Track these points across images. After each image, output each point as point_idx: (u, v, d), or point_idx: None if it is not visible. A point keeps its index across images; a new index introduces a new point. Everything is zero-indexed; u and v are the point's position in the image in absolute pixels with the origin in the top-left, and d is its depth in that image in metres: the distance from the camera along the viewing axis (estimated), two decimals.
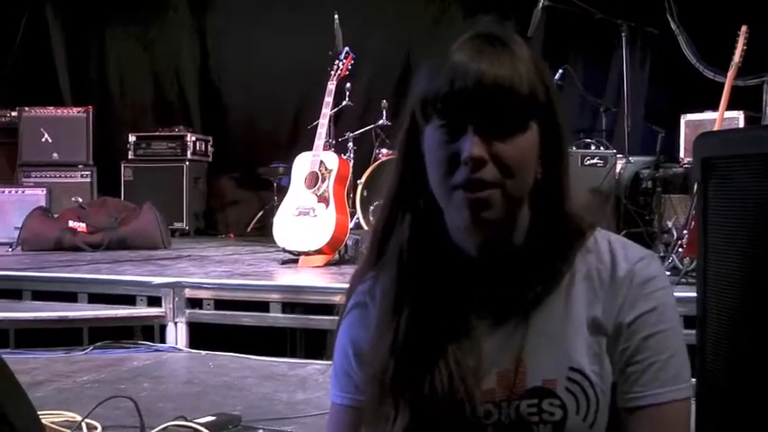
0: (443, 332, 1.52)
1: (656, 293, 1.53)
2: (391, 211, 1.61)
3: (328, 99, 7.12)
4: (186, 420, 3.56)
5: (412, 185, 1.56)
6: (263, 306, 5.43)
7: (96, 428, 3.53)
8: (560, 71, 7.62)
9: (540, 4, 7.38)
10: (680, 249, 5.32)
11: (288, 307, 5.41)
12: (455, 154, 1.45)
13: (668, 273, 5.06)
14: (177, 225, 9.94)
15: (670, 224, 6.25)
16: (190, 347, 5.42)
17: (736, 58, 6.05)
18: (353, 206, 8.00)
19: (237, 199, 10.98)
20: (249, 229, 10.11)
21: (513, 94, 1.43)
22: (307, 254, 6.59)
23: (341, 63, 7.39)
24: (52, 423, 3.56)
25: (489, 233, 1.50)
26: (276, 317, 5.38)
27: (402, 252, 1.58)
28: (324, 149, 6.94)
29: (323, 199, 6.63)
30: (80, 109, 10.06)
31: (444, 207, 1.51)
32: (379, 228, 1.64)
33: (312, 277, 6.16)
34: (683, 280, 4.85)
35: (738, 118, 6.94)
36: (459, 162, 1.44)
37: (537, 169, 1.50)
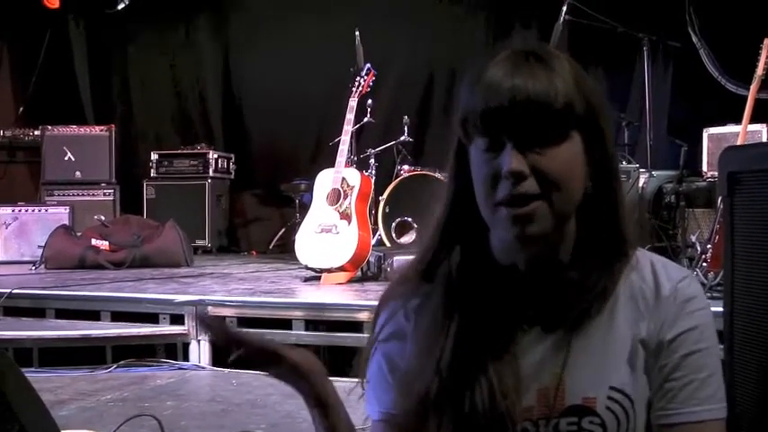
0: (486, 349, 1.52)
1: (697, 313, 1.53)
2: (443, 230, 1.61)
3: (350, 116, 7.12)
4: None
5: (463, 206, 1.56)
6: (285, 323, 5.43)
7: None
8: None
9: (562, 19, 7.37)
10: (704, 264, 5.29)
11: (311, 324, 5.40)
12: (497, 170, 1.45)
13: None
14: (200, 243, 9.94)
15: (694, 238, 6.22)
16: (213, 365, 5.41)
17: (760, 70, 6.03)
18: (376, 223, 8.00)
19: (259, 216, 10.98)
20: (271, 247, 10.09)
21: (548, 109, 1.42)
22: (329, 271, 6.58)
23: (362, 79, 7.39)
24: None
25: (534, 248, 1.51)
26: (299, 334, 5.37)
27: (451, 272, 1.58)
28: (346, 166, 6.93)
29: (345, 216, 6.62)
30: (102, 127, 10.09)
31: (490, 224, 1.52)
32: (428, 248, 1.63)
33: (335, 294, 6.14)
34: (708, 294, 4.83)
35: (762, 131, 6.90)
36: (500, 178, 1.45)
37: (587, 183, 1.51)
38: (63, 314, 5.89)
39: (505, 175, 1.43)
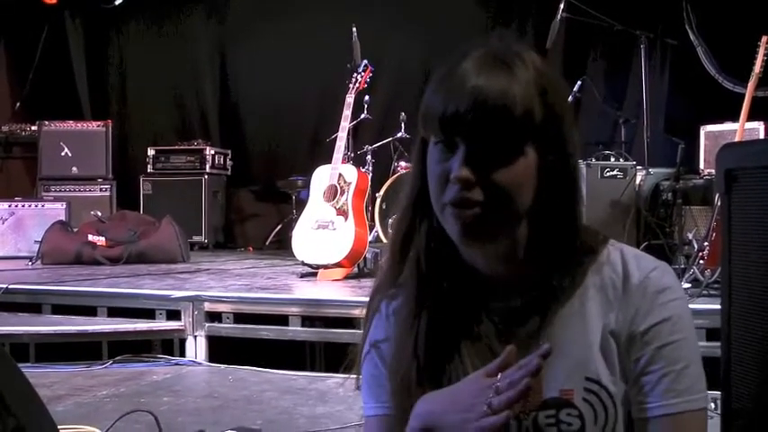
0: (460, 341, 1.55)
1: (670, 304, 1.53)
2: (409, 221, 1.63)
3: (347, 112, 7.12)
4: None
5: (426, 196, 1.57)
6: (282, 320, 5.43)
7: None
8: (579, 83, 7.61)
9: (559, 16, 7.38)
10: (701, 261, 5.29)
11: (307, 320, 5.41)
12: (448, 171, 1.48)
13: (689, 285, 5.06)
14: (196, 238, 9.93)
15: (691, 236, 6.22)
16: (209, 361, 5.42)
17: (757, 68, 6.03)
18: (372, 219, 8.00)
19: (256, 212, 10.98)
20: (268, 243, 10.10)
21: (504, 115, 1.44)
22: (326, 267, 6.58)
23: (359, 76, 7.39)
24: None
25: (482, 247, 1.54)
26: (295, 330, 5.38)
27: (419, 260, 1.60)
28: (342, 162, 6.93)
29: (342, 212, 6.63)
30: (99, 123, 10.09)
31: (441, 220, 1.54)
32: (397, 238, 1.66)
33: (331, 290, 6.14)
34: (705, 292, 4.83)
35: (759, 129, 6.89)
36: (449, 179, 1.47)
37: (536, 191, 1.51)
38: (59, 309, 5.90)
39: (453, 180, 1.46)
